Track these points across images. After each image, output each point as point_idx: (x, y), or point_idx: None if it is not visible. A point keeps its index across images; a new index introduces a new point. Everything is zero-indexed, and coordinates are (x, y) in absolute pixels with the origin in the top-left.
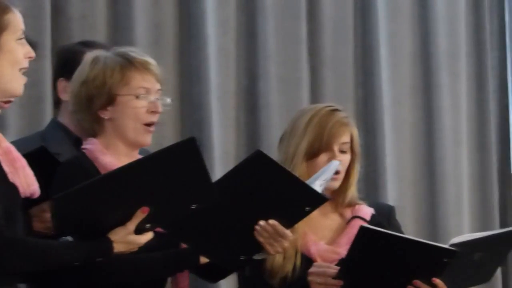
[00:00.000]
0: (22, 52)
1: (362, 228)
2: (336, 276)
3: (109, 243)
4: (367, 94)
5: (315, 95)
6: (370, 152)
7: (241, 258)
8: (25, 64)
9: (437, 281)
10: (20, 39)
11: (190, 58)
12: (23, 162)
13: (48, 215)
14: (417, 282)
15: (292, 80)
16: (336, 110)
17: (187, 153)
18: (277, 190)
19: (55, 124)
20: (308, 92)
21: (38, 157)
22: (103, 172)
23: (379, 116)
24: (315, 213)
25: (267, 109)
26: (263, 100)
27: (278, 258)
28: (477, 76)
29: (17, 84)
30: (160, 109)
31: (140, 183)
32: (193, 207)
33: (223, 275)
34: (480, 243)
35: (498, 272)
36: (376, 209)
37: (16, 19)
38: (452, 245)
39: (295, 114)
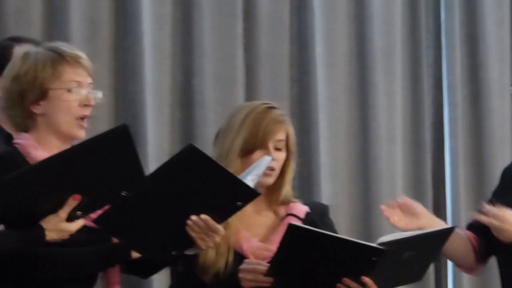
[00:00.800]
0: None
1: (290, 226)
2: (267, 273)
3: (41, 230)
4: (303, 92)
5: (251, 92)
6: (304, 150)
7: (173, 253)
8: None
9: (366, 279)
10: None
11: (125, 53)
12: None
13: None
14: (346, 280)
15: (227, 77)
16: (272, 107)
17: (119, 140)
18: (209, 185)
19: None
20: (243, 89)
21: None
22: None
23: (314, 114)
24: (249, 210)
25: (202, 106)
26: (198, 96)
27: (211, 254)
28: (412, 74)
29: None
30: (92, 102)
31: (72, 170)
32: (124, 194)
33: (155, 270)
34: (409, 242)
35: (431, 270)
36: (310, 208)
37: None
38: (380, 244)
39: (231, 111)
